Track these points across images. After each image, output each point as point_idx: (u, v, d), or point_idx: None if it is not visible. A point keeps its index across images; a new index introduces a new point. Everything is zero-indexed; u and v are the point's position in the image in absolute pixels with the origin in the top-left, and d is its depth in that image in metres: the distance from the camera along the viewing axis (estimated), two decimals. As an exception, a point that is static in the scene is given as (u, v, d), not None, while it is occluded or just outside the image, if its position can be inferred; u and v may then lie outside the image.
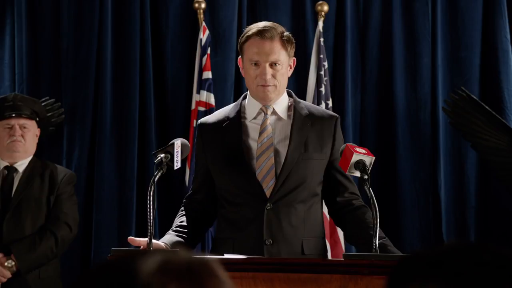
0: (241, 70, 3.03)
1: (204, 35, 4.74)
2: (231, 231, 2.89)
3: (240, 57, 3.02)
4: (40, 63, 4.87)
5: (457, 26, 4.93)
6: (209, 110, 4.63)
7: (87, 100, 4.82)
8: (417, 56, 4.90)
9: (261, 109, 2.98)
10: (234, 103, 3.08)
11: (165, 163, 2.69)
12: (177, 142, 2.77)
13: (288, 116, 3.00)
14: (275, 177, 2.89)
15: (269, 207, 2.86)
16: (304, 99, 4.66)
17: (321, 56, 4.70)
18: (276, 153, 2.92)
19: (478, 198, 4.83)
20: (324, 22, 4.82)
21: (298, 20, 4.94)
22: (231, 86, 4.85)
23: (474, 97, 4.58)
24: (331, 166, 2.98)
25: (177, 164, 2.74)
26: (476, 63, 4.91)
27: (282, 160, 2.91)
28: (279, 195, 2.88)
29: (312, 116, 3.00)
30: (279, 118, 2.99)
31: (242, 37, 2.98)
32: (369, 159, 2.71)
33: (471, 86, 4.82)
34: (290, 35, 3.00)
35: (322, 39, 4.74)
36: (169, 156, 2.72)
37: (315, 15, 4.87)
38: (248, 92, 3.04)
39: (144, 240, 2.66)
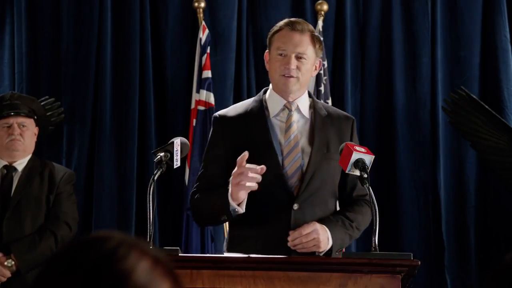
0: (266, 65, 3.02)
1: (203, 34, 4.74)
2: (251, 229, 2.84)
3: (267, 51, 3.01)
4: (39, 63, 4.87)
5: (456, 25, 4.93)
6: (209, 109, 4.63)
7: (87, 99, 4.82)
8: (416, 55, 4.90)
9: (285, 105, 2.96)
10: (254, 98, 3.06)
11: (164, 162, 2.69)
12: (177, 141, 2.77)
13: (309, 115, 2.99)
14: (302, 177, 2.88)
15: (296, 207, 2.84)
16: (304, 98, 4.66)
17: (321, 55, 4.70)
18: (302, 152, 2.92)
19: (477, 197, 4.83)
20: (323, 21, 4.82)
21: (298, 20, 4.93)
22: (231, 85, 4.85)
23: (474, 97, 4.58)
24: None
25: (177, 163, 2.74)
26: (475, 62, 4.91)
27: (307, 160, 2.90)
28: (305, 195, 2.86)
29: (331, 117, 3.00)
30: (302, 116, 2.98)
31: (272, 30, 2.99)
32: (368, 158, 2.72)
33: (470, 85, 4.81)
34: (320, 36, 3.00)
35: (321, 38, 4.74)
36: (169, 155, 2.72)
37: (315, 14, 4.87)
38: (270, 86, 3.02)
39: None
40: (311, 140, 2.94)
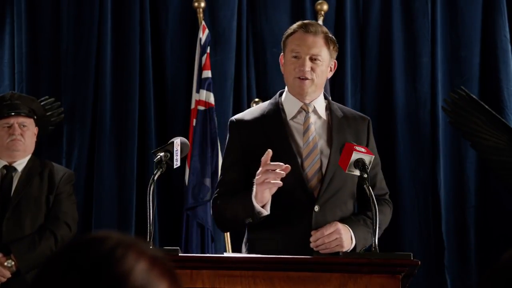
0: (281, 68, 3.02)
1: (203, 34, 4.74)
2: (271, 232, 2.83)
3: (281, 54, 3.02)
4: (39, 63, 4.87)
5: (456, 25, 4.93)
6: (209, 109, 4.63)
7: (87, 99, 4.82)
8: (416, 55, 4.90)
9: (301, 107, 2.96)
10: (269, 101, 3.05)
11: (164, 162, 2.69)
12: (177, 141, 2.77)
13: (326, 116, 2.99)
14: (321, 179, 2.88)
15: (317, 209, 2.83)
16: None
17: (321, 55, 4.70)
18: (320, 153, 2.91)
19: (477, 197, 4.83)
20: (323, 21, 4.81)
21: (298, 19, 4.87)
22: (231, 85, 4.85)
23: (474, 97, 4.58)
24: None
25: (177, 163, 2.74)
26: (475, 62, 4.91)
27: (326, 161, 2.90)
28: (325, 197, 2.86)
29: (347, 118, 3.01)
30: (319, 118, 2.98)
31: (287, 32, 3.00)
32: (368, 158, 2.72)
33: (470, 85, 4.81)
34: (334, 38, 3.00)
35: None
36: (169, 154, 2.72)
37: (315, 14, 4.86)
38: (286, 89, 3.01)
39: None
40: (329, 141, 2.94)
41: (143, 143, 4.78)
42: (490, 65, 4.88)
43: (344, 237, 2.80)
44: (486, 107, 4.48)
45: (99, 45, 4.84)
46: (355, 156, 2.70)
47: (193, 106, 4.69)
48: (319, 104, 2.99)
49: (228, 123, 3.05)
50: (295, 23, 4.89)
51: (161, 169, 2.68)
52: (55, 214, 4.02)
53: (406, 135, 4.85)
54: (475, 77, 4.90)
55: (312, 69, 2.91)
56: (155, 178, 2.65)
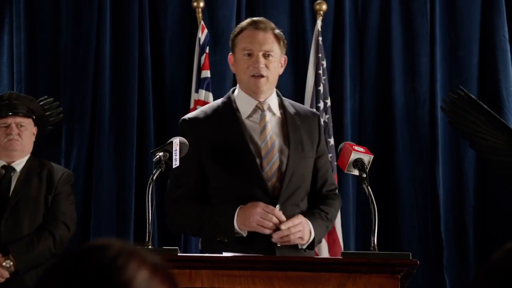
0: (231, 67, 3.00)
1: (202, 34, 4.74)
2: None
3: (230, 53, 2.99)
4: (38, 62, 4.87)
5: (455, 25, 4.93)
6: (208, 109, 4.63)
7: (86, 99, 4.81)
8: (415, 55, 4.90)
9: (257, 106, 2.94)
10: (221, 100, 3.03)
11: (163, 162, 2.69)
12: (176, 141, 2.77)
13: (280, 114, 2.99)
14: (281, 177, 2.87)
15: (278, 208, 2.83)
16: (303, 98, 4.67)
17: (320, 55, 4.70)
18: (279, 152, 2.91)
19: (476, 197, 4.83)
20: (322, 21, 4.82)
21: (297, 19, 4.94)
22: (230, 85, 4.84)
23: (473, 96, 4.58)
24: (316, 162, 3.01)
25: (176, 163, 2.74)
26: (474, 62, 4.91)
27: (285, 159, 2.89)
28: (286, 195, 2.87)
29: (299, 115, 3.00)
30: (273, 115, 2.97)
31: (235, 31, 2.97)
32: (367, 158, 2.72)
33: (469, 85, 4.81)
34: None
35: (320, 38, 4.74)
36: (168, 154, 2.71)
37: (314, 14, 4.86)
38: (238, 87, 2.99)
39: None
40: (286, 140, 2.93)
41: (142, 143, 4.78)
42: (489, 65, 4.88)
43: (305, 230, 2.83)
44: (485, 107, 4.48)
45: (98, 44, 4.84)
46: (354, 156, 2.70)
47: (192, 106, 4.69)
48: (273, 101, 2.98)
49: (180, 122, 3.01)
50: (294, 23, 4.94)
51: (160, 169, 2.68)
52: (54, 214, 4.02)
53: (405, 135, 4.85)
54: (474, 77, 4.90)
55: (266, 65, 2.89)
56: (154, 177, 2.65)
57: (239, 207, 2.78)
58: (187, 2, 4.89)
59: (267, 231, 2.75)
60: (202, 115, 2.97)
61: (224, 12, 4.89)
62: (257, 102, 2.94)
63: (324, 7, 4.83)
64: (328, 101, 4.68)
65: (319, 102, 4.63)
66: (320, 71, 4.68)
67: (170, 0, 4.91)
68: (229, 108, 2.95)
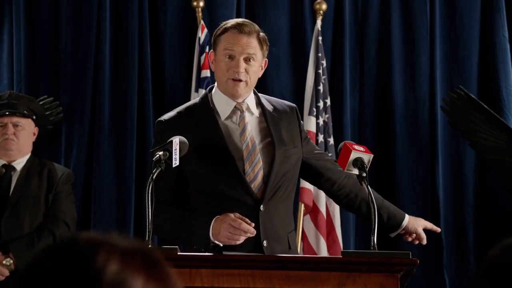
0: (210, 65, 2.96)
1: (202, 34, 4.74)
2: None
3: (211, 50, 2.95)
4: (38, 62, 4.87)
5: (455, 24, 4.94)
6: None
7: (86, 98, 4.81)
8: (415, 54, 4.90)
9: (235, 106, 2.89)
10: (198, 100, 2.98)
11: (163, 161, 2.68)
12: (175, 140, 2.76)
13: (258, 112, 2.95)
14: (263, 178, 2.84)
15: (262, 209, 2.81)
16: (303, 97, 4.67)
17: (319, 54, 4.70)
18: (260, 152, 2.87)
19: (476, 197, 4.83)
20: (322, 20, 4.82)
21: (297, 19, 4.94)
22: (230, 85, 4.85)
23: (473, 96, 4.58)
24: (312, 156, 2.99)
25: (175, 162, 2.73)
26: (474, 62, 4.91)
27: (268, 159, 2.86)
28: (269, 195, 2.83)
29: (277, 111, 2.96)
30: (252, 115, 2.93)
31: (218, 30, 2.91)
32: (367, 157, 2.72)
33: (469, 85, 4.82)
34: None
35: (320, 38, 4.74)
36: (167, 153, 2.70)
37: (314, 13, 4.86)
38: (216, 87, 2.94)
39: None
40: (267, 138, 2.89)
41: (142, 142, 4.78)
42: (489, 65, 4.88)
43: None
44: (485, 106, 4.48)
45: (97, 44, 4.84)
46: (354, 155, 2.70)
47: (192, 105, 4.69)
48: (251, 101, 2.93)
49: (156, 123, 2.96)
50: (294, 22, 4.94)
51: (159, 168, 2.68)
52: (54, 213, 4.02)
53: (405, 135, 4.85)
54: (474, 76, 4.90)
55: (246, 70, 2.84)
56: (154, 177, 2.64)
57: (214, 219, 2.73)
58: (187, 1, 4.89)
59: (239, 242, 2.70)
60: (178, 117, 2.91)
61: (224, 11, 4.89)
62: (236, 103, 2.89)
63: (324, 6, 4.83)
64: (328, 101, 4.68)
65: (319, 102, 4.63)
66: (320, 71, 4.68)
67: (169, 0, 4.91)
68: (207, 109, 2.90)
